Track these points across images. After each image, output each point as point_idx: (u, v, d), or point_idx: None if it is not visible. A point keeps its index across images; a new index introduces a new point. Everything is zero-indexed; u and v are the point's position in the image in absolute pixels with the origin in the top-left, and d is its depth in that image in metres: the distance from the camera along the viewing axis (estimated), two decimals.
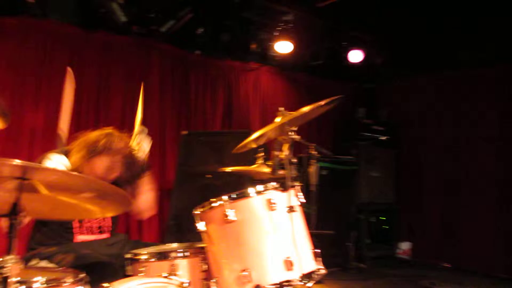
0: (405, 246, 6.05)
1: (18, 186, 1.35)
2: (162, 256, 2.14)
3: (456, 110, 5.70)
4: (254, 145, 2.46)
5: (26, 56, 4.19)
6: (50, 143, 2.71)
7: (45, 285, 1.63)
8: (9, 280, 1.31)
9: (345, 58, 5.52)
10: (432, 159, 5.92)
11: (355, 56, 5.49)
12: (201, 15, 4.65)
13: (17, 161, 1.25)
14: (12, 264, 1.31)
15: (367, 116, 6.17)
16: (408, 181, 6.14)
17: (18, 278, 1.47)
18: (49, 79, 4.25)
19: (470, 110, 5.56)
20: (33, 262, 2.31)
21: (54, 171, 1.50)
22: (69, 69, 2.72)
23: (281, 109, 2.32)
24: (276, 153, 2.22)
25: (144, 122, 2.65)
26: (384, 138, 6.06)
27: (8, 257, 1.32)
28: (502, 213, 5.18)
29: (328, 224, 4.39)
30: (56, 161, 2.30)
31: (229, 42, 5.01)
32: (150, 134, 2.70)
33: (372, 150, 5.86)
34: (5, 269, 1.30)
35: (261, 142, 2.49)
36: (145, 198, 2.60)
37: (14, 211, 1.32)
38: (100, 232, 2.56)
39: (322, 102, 2.25)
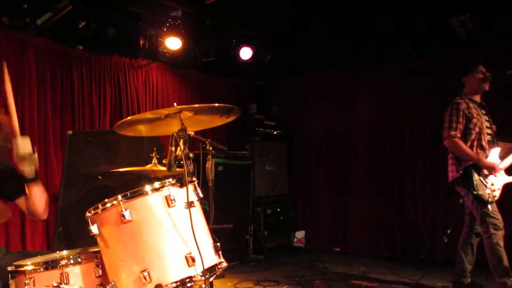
0: (299, 235, 6.38)
1: None
2: (51, 265, 1.97)
3: (340, 105, 6.15)
4: (144, 131, 2.36)
5: None
6: None
7: None
8: None
9: (236, 55, 5.60)
10: (320, 152, 6.32)
11: (245, 53, 5.60)
12: (82, 8, 4.35)
13: None
14: None
15: (259, 112, 6.36)
16: (299, 174, 6.49)
17: None
18: None
19: (352, 106, 6.03)
20: None
21: None
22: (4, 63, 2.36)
23: (175, 104, 2.27)
24: (172, 149, 2.17)
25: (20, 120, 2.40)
26: (275, 132, 6.30)
27: None
28: (379, 203, 5.75)
29: (226, 218, 4.44)
30: None
31: (115, 37, 4.74)
32: (30, 136, 2.46)
33: (265, 145, 6.05)
34: None
35: (154, 133, 2.41)
36: (38, 200, 2.35)
37: None
38: None
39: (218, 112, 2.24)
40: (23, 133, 2.64)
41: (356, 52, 5.64)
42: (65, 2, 4.20)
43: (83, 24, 4.54)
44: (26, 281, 1.91)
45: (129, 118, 2.16)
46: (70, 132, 4.09)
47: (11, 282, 1.98)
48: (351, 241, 5.97)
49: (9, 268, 2.00)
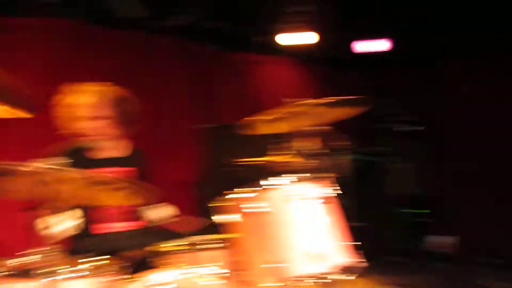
0: (446, 239, 5.84)
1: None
2: (192, 247, 2.12)
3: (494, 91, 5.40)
4: (263, 128, 2.38)
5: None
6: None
7: (78, 274, 1.66)
8: (44, 270, 1.41)
9: (357, 48, 5.38)
10: (470, 146, 5.64)
11: (381, 44, 5.36)
12: (214, 8, 4.61)
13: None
14: (57, 253, 1.42)
15: (396, 106, 6.02)
16: (444, 170, 5.90)
17: (67, 266, 1.56)
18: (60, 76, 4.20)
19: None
20: (66, 253, 2.35)
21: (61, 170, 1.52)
22: None
23: (295, 99, 2.25)
24: (308, 143, 2.17)
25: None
26: (415, 126, 5.88)
27: (54, 247, 1.43)
28: None
29: (363, 216, 4.29)
30: None
31: (244, 34, 4.95)
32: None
33: (403, 139, 5.71)
34: (52, 257, 1.40)
35: (279, 129, 2.43)
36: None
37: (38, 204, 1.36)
38: (128, 220, 2.59)
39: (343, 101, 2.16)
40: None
41: None
42: (200, 4, 4.50)
43: (215, 23, 4.81)
44: (171, 260, 2.06)
45: (262, 117, 2.22)
46: (206, 125, 4.40)
47: (158, 259, 2.18)
48: None
49: (157, 247, 2.19)
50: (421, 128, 5.91)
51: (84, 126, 2.55)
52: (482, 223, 5.45)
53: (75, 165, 2.40)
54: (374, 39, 5.33)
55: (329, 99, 2.12)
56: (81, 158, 2.55)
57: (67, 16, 4.11)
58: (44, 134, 4.08)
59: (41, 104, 1.66)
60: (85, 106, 2.55)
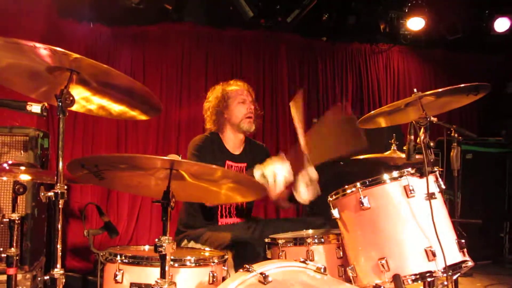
0: None
1: (168, 176, 1.52)
2: (299, 241, 2.21)
3: None
4: (383, 123, 2.33)
5: (167, 58, 4.65)
6: (193, 135, 2.98)
7: (194, 264, 1.82)
8: (166, 257, 1.48)
9: (490, 28, 4.93)
10: None
11: (501, 24, 4.87)
12: (325, 1, 4.59)
13: (167, 157, 1.44)
14: (167, 244, 1.47)
15: None
16: None
17: (172, 257, 1.68)
18: (189, 77, 4.69)
19: None
20: (183, 243, 2.57)
21: (194, 163, 1.65)
22: (300, 91, 2.74)
23: (415, 90, 2.17)
24: (411, 137, 2.09)
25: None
26: None
27: (163, 238, 1.48)
28: None
29: (475, 213, 4.00)
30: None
31: (355, 24, 4.86)
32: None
33: None
34: (162, 248, 1.47)
35: (394, 122, 2.36)
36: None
37: (166, 197, 1.49)
38: (239, 216, 2.74)
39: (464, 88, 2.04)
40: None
41: None
42: None
43: (326, 16, 4.80)
44: (280, 253, 2.19)
45: (370, 113, 2.19)
46: (315, 120, 4.41)
47: (268, 251, 2.30)
48: None
49: (266, 240, 2.32)
50: None
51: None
52: None
53: (208, 157, 2.59)
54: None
55: (449, 88, 2.02)
56: (214, 150, 2.73)
57: None
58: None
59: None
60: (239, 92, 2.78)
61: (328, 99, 5.16)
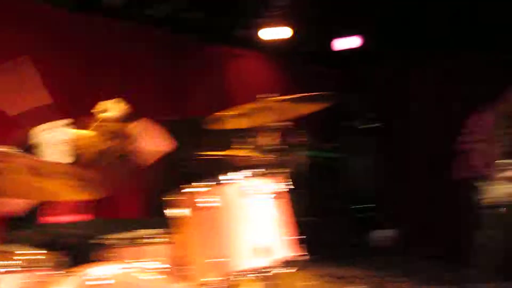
0: (388, 233, 6.08)
1: None
2: (134, 241, 2.10)
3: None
4: (230, 123, 2.38)
5: None
6: None
7: (10, 269, 1.59)
8: None
9: (332, 44, 5.46)
10: (418, 142, 5.86)
11: (342, 42, 5.45)
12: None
13: None
14: None
15: (352, 103, 6.15)
16: (393, 168, 6.12)
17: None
18: None
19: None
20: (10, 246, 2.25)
21: (23, 156, 1.45)
22: None
23: (265, 95, 2.26)
24: (261, 139, 2.17)
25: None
26: (369, 124, 6.05)
27: None
28: None
29: (314, 211, 4.38)
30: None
31: (219, 27, 4.92)
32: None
33: (357, 137, 5.85)
34: None
35: (245, 125, 2.43)
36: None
37: None
38: (73, 213, 2.51)
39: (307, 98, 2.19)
40: None
41: None
42: None
43: (193, 15, 4.75)
44: (113, 254, 2.04)
45: (222, 113, 2.20)
46: (164, 119, 4.32)
47: (100, 253, 2.12)
48: None
49: (98, 240, 2.14)
50: (377, 125, 6.06)
51: None
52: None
53: None
54: (347, 36, 5.40)
55: (293, 96, 2.13)
56: None
57: None
58: None
59: None
60: None
61: (187, 98, 5.10)
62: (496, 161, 3.21)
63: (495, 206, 3.15)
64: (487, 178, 3.21)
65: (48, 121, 2.36)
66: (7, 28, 3.95)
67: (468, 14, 4.77)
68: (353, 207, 5.65)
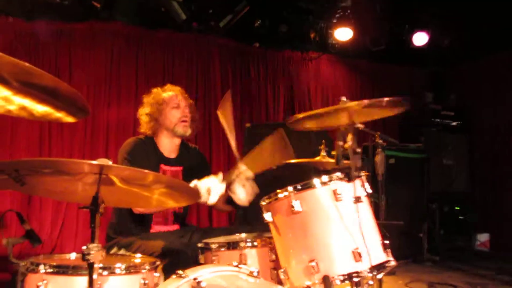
0: (482, 237, 5.71)
1: (97, 181, 1.45)
2: (232, 245, 2.20)
3: None
4: (310, 125, 2.40)
5: (96, 57, 4.48)
6: (123, 138, 2.90)
7: (124, 271, 1.75)
8: (94, 266, 1.42)
9: (409, 41, 5.29)
10: (508, 144, 5.51)
11: (420, 39, 5.25)
12: (257, 7, 4.68)
13: (96, 161, 1.38)
14: (95, 252, 1.41)
15: (435, 101, 5.89)
16: (483, 169, 5.79)
17: (101, 265, 1.61)
18: (118, 78, 4.55)
19: None
20: (113, 250, 2.47)
21: (126, 168, 1.59)
22: (228, 91, 2.71)
23: (343, 98, 2.26)
24: (340, 143, 2.17)
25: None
26: (454, 123, 5.76)
27: (92, 245, 1.42)
28: None
29: (398, 215, 4.25)
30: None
31: (287, 32, 5.00)
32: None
33: (442, 137, 5.59)
34: (90, 255, 1.40)
35: (321, 126, 2.44)
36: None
37: (95, 203, 1.42)
38: (173, 223, 2.68)
39: (385, 102, 2.16)
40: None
41: None
42: (243, 4, 4.57)
43: (258, 22, 4.88)
44: (213, 258, 2.18)
45: (299, 116, 2.23)
46: (248, 124, 4.45)
47: (201, 257, 2.28)
48: None
49: (199, 245, 2.29)
50: (460, 122, 5.77)
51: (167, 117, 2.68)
52: None
53: (141, 160, 2.51)
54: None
55: (375, 100, 2.12)
56: (148, 154, 2.66)
57: None
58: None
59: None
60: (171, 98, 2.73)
61: (260, 104, 5.24)
62: None
63: None
64: None
65: None
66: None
67: None
68: (443, 210, 5.38)
